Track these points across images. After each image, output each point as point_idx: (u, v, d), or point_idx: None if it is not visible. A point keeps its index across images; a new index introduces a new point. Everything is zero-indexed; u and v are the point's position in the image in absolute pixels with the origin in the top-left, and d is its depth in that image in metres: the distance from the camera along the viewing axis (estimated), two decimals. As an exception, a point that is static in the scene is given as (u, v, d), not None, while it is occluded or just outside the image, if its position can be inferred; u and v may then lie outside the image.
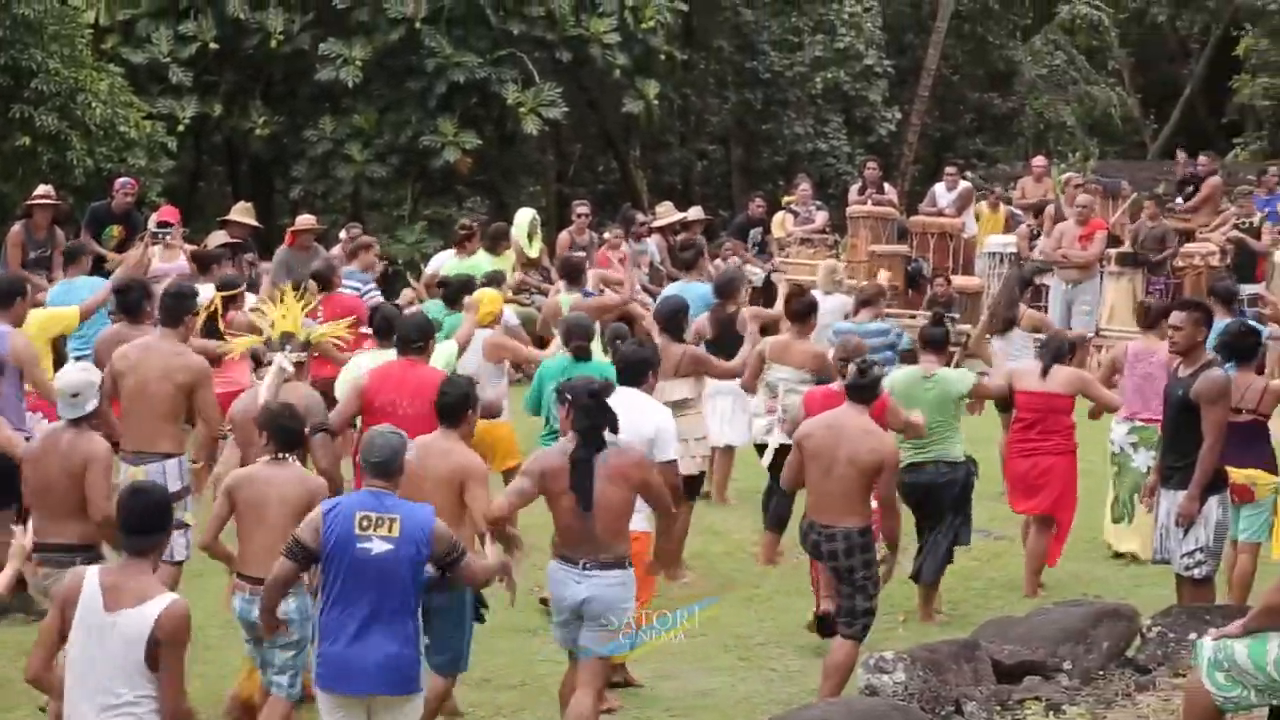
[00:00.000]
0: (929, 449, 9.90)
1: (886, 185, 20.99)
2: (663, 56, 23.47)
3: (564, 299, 13.27)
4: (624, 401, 8.00)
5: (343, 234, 17.52)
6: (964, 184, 20.83)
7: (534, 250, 17.71)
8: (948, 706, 7.82)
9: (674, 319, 10.86)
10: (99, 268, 14.70)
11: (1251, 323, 10.54)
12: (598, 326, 10.91)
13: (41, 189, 15.46)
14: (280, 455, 7.66)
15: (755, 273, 19.77)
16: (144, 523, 5.82)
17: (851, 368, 8.47)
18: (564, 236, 18.16)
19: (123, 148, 18.48)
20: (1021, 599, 10.31)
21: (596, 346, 10.51)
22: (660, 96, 23.67)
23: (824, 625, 8.88)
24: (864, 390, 8.31)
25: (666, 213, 19.49)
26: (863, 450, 8.10)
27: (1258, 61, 34.93)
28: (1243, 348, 9.46)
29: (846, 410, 8.34)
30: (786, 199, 20.96)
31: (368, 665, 6.59)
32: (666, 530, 8.18)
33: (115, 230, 15.75)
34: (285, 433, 7.71)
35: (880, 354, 11.45)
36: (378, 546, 6.57)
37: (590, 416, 7.33)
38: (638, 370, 8.67)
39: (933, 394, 9.94)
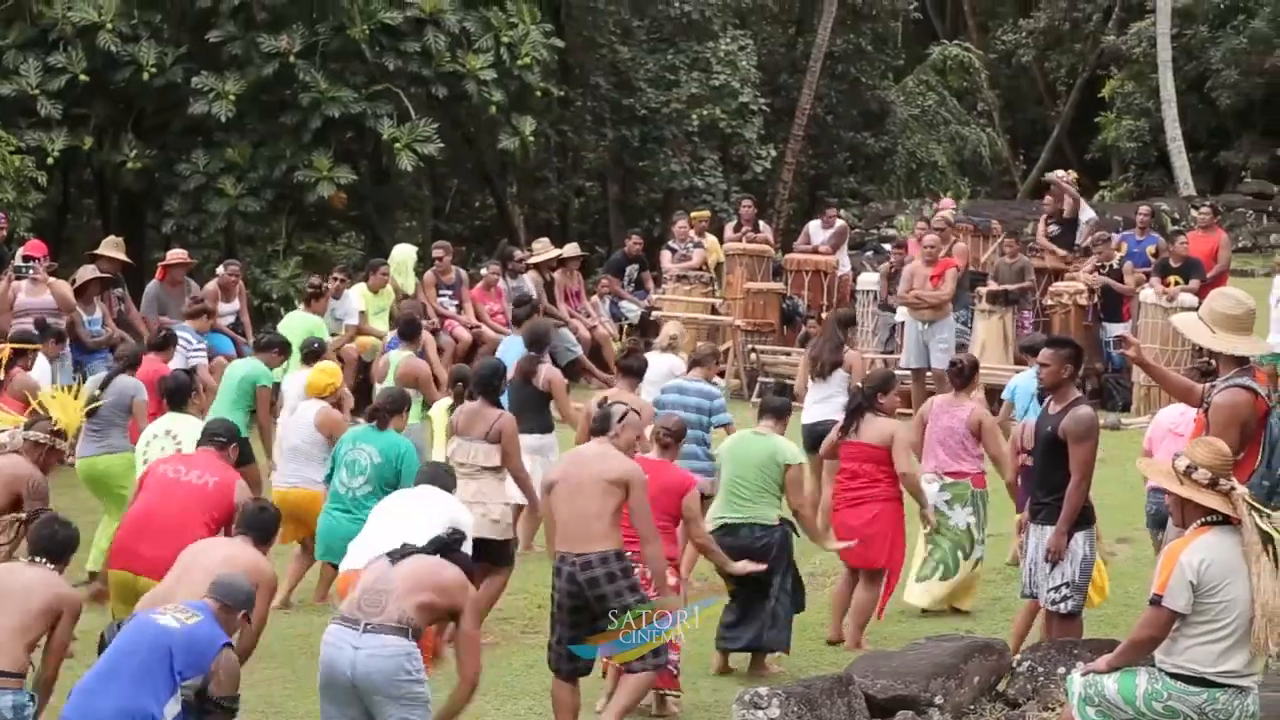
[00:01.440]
0: (744, 509, 9.75)
1: (762, 223, 21.15)
2: (539, 93, 23.49)
3: (393, 358, 13.23)
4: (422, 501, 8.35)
5: (220, 270, 17.36)
6: (840, 222, 21.04)
7: (411, 287, 17.65)
8: (822, 742, 7.86)
9: (490, 382, 10.61)
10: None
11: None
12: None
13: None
14: (36, 559, 7.30)
15: (631, 310, 19.84)
16: None
17: (592, 404, 8.57)
18: (429, 277, 18.05)
19: (-11, 181, 18.17)
20: (894, 634, 10.38)
21: None
22: (537, 133, 23.68)
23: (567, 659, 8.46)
24: (602, 421, 8.52)
25: (543, 249, 19.51)
26: (607, 469, 8.18)
27: (1122, 104, 35.73)
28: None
29: (590, 444, 8.58)
30: (693, 221, 20.84)
31: (86, 715, 6.56)
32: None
33: (-19, 265, 15.49)
34: (44, 540, 7.37)
35: (700, 415, 11.39)
36: (165, 620, 6.64)
37: None
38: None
39: (761, 454, 9.80)
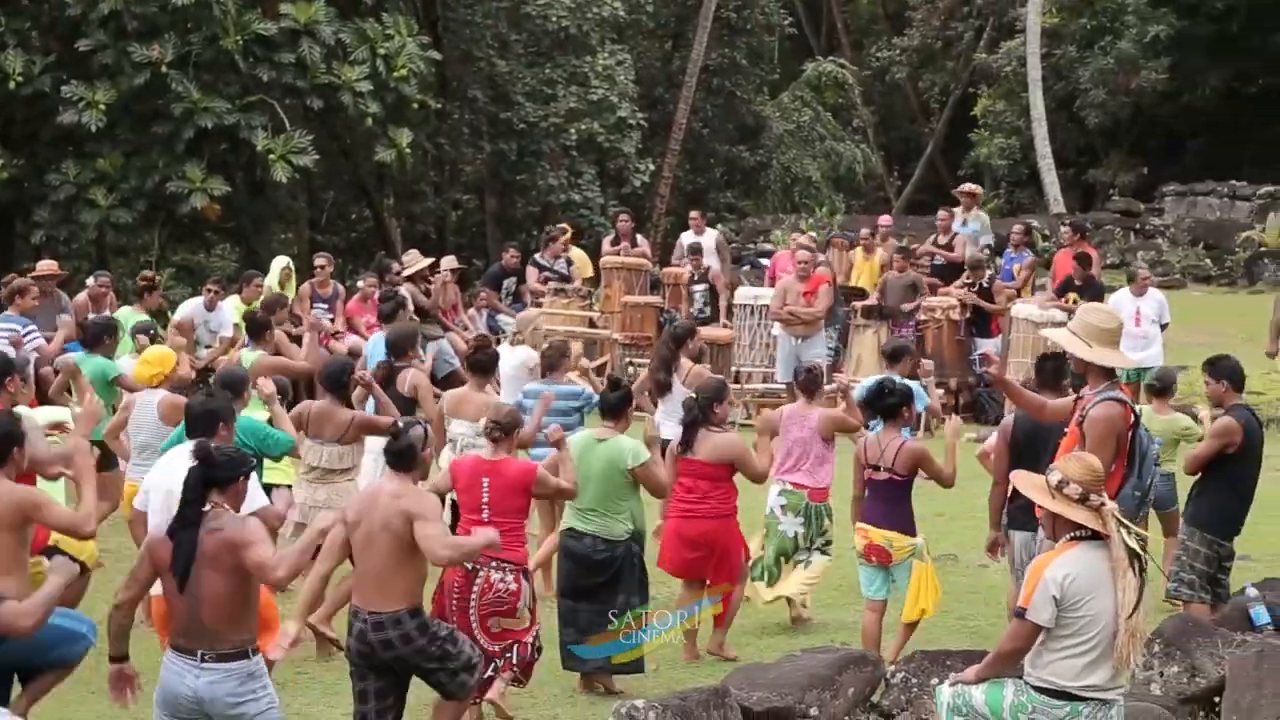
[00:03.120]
0: (591, 519, 9.42)
1: (639, 237, 21.21)
2: (416, 105, 23.42)
3: (245, 355, 13.00)
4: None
5: (90, 281, 17.11)
6: (711, 230, 21.21)
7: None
8: (698, 755, 7.89)
9: (338, 380, 10.32)
10: None
11: (899, 381, 10.60)
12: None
13: None
14: None
15: (509, 322, 19.79)
16: None
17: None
18: (305, 288, 17.88)
19: None
20: (770, 646, 10.43)
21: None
22: (413, 145, 23.60)
23: None
24: (399, 457, 7.67)
25: (414, 261, 19.36)
26: (395, 514, 7.44)
27: (993, 122, 36.32)
28: (881, 407, 9.78)
29: (385, 480, 7.78)
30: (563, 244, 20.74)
31: None
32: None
33: None
34: None
35: (569, 417, 11.14)
36: None
37: (186, 489, 6.75)
38: (205, 422, 8.01)
39: (601, 462, 9.40)
